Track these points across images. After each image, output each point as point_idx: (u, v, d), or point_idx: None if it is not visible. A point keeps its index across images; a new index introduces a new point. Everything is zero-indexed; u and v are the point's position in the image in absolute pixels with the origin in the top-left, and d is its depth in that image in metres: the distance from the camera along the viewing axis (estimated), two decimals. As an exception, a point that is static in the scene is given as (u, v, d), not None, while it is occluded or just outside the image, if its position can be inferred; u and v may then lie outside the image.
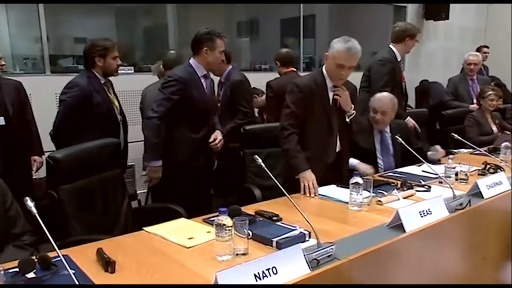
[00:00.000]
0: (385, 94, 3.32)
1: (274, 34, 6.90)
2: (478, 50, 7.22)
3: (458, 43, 8.85)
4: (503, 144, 3.29)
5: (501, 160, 3.16)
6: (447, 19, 7.78)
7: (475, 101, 4.90)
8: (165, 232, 1.87)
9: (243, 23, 6.83)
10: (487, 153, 3.21)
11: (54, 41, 4.55)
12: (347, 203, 2.25)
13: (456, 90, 5.28)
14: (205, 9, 5.65)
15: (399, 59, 4.01)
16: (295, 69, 4.41)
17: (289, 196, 1.87)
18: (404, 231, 1.86)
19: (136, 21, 5.59)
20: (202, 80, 3.02)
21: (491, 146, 3.73)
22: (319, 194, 2.47)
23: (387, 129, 3.30)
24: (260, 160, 1.91)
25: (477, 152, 3.48)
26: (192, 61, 3.02)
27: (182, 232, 1.88)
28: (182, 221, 2.04)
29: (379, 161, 3.24)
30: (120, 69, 4.73)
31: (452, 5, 7.77)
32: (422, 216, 1.95)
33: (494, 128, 4.30)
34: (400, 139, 2.64)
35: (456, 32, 8.77)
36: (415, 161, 2.95)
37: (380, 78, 3.89)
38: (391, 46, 4.05)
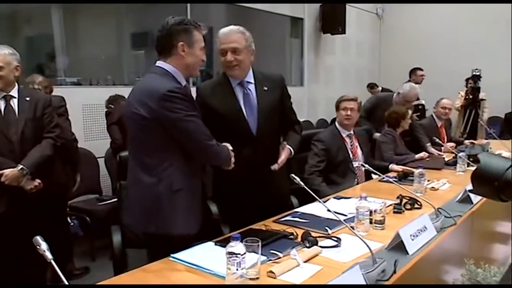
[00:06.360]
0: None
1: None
2: (413, 72, 6.71)
3: (355, 58, 8.79)
4: (416, 172, 2.78)
5: (415, 191, 2.65)
6: (344, 33, 7.59)
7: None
8: None
9: (137, 35, 6.19)
10: (394, 182, 2.67)
11: None
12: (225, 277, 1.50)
13: (374, 110, 4.63)
14: (95, 18, 5.13)
15: None
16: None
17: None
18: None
19: (17, 30, 4.91)
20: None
21: (401, 172, 3.26)
22: (187, 262, 1.69)
23: (250, 79, 2.35)
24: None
25: (386, 179, 2.97)
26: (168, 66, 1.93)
27: None
28: None
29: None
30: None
31: (348, 20, 7.62)
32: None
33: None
34: (297, 178, 1.94)
35: (353, 46, 8.69)
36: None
37: None
38: None
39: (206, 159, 2.04)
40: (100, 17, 5.25)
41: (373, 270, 1.49)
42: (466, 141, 4.87)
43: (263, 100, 2.32)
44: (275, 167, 2.27)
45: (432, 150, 4.24)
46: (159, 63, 1.94)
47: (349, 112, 3.30)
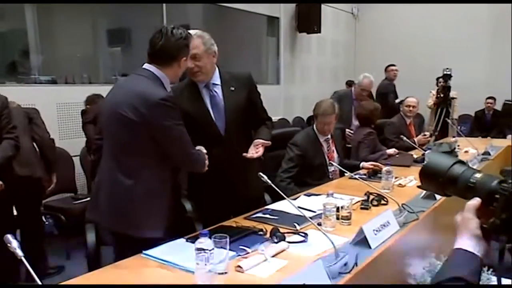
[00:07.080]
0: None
1: (147, 44, 6.29)
2: (386, 69, 6.84)
3: (330, 56, 8.92)
4: (384, 169, 2.88)
5: (383, 187, 2.75)
6: (319, 32, 7.70)
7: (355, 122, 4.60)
8: None
9: (113, 32, 6.21)
10: (360, 180, 2.75)
11: None
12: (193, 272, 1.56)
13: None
14: (70, 15, 5.12)
15: None
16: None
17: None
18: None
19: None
20: None
21: (371, 169, 3.36)
22: (159, 258, 1.75)
23: (216, 80, 2.41)
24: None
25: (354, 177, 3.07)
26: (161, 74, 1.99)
27: None
28: None
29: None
30: None
31: (323, 19, 7.73)
32: (295, 297, 1.34)
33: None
34: (264, 176, 2.00)
35: (329, 45, 8.81)
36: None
37: None
38: None
39: (186, 165, 2.10)
40: (75, 14, 5.20)
41: (335, 264, 1.57)
42: (428, 133, 5.03)
43: (230, 101, 2.38)
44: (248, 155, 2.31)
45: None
46: (149, 67, 1.98)
47: (326, 126, 3.32)
